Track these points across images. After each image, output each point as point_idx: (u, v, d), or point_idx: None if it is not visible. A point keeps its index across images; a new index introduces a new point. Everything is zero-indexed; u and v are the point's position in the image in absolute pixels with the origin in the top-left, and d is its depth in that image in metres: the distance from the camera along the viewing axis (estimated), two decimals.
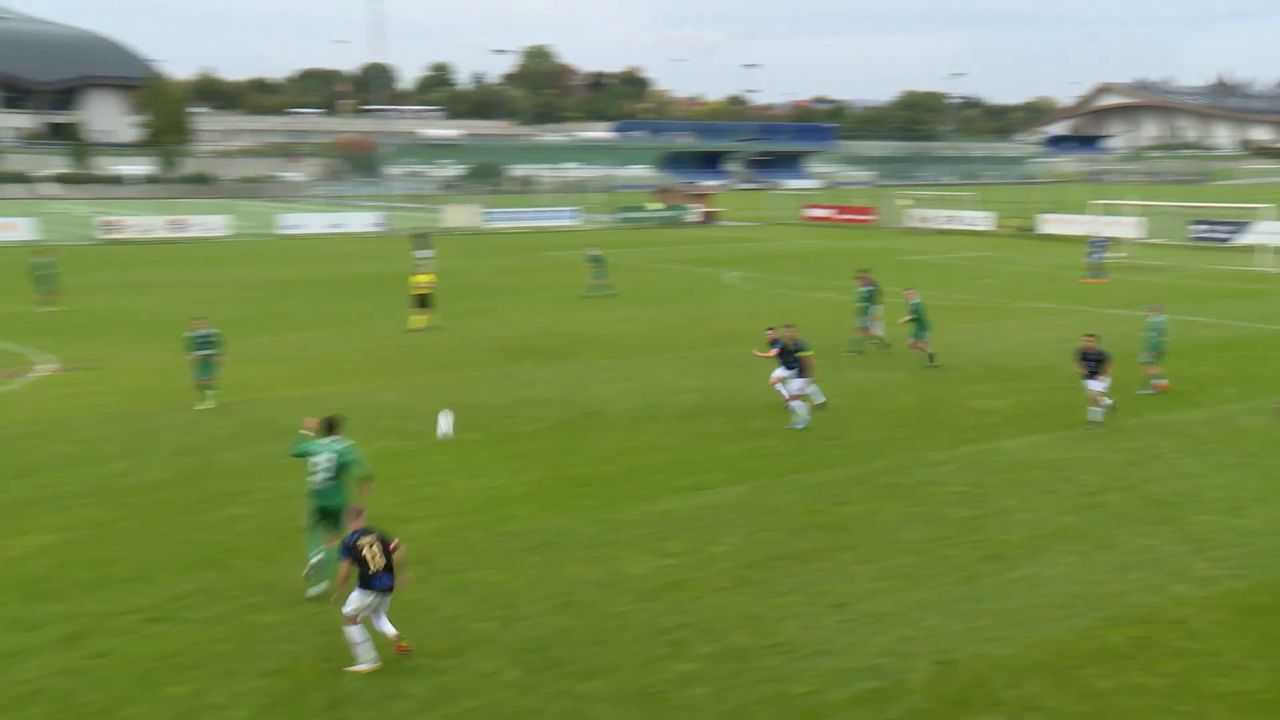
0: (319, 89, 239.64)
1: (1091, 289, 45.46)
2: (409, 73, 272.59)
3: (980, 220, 78.20)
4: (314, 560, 14.36)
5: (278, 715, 11.38)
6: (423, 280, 36.28)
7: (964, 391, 26.15)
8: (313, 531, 14.55)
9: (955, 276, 50.59)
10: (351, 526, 12.56)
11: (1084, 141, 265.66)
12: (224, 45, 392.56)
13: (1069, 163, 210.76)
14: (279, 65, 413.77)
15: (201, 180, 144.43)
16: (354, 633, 12.31)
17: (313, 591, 14.20)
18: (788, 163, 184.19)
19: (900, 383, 27.33)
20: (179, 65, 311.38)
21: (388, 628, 12.49)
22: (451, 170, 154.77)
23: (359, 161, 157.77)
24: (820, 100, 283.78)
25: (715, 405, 24.65)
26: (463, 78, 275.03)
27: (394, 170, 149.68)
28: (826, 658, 12.67)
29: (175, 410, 24.27)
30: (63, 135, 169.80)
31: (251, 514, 17.59)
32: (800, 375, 23.00)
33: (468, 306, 41.58)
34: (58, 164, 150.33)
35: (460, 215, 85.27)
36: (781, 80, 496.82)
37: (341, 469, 14.47)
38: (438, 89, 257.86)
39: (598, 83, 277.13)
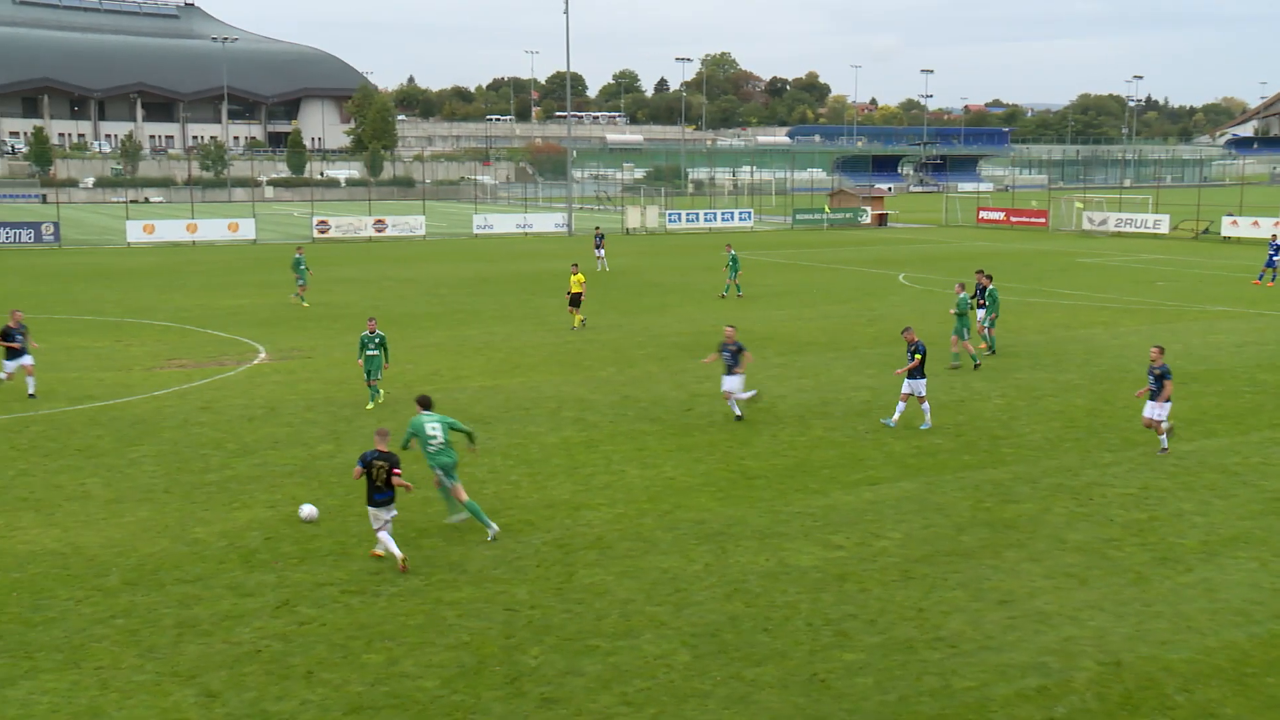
0: (512, 97, 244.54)
1: (1271, 292, 43.08)
2: (596, 81, 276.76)
3: (1157, 223, 74.93)
4: (455, 518, 16.44)
5: (462, 686, 11.62)
6: (577, 280, 36.46)
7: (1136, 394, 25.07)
8: (443, 488, 16.33)
9: (1129, 279, 48.60)
10: (379, 446, 14.81)
11: (1270, 143, 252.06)
12: (427, 57, 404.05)
13: (1254, 164, 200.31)
14: (476, 75, 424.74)
15: (403, 183, 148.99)
16: (381, 537, 14.83)
17: (457, 518, 16.43)
18: (961, 166, 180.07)
19: (1071, 384, 26.39)
20: (386, 76, 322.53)
21: (394, 549, 14.71)
22: (634, 173, 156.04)
23: (547, 165, 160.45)
24: (995, 104, 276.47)
25: (885, 403, 24.21)
26: (646, 85, 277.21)
27: (580, 173, 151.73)
28: (991, 653, 12.30)
29: (365, 398, 25.03)
30: (283, 143, 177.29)
31: (441, 498, 18.00)
32: (921, 375, 22.32)
33: (648, 303, 41.83)
34: (278, 169, 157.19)
35: (642, 217, 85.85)
36: (957, 85, 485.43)
37: (447, 432, 16.26)
38: (622, 96, 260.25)
39: (776, 89, 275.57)
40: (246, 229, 73.87)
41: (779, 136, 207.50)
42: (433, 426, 16.10)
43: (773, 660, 12.18)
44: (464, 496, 16.16)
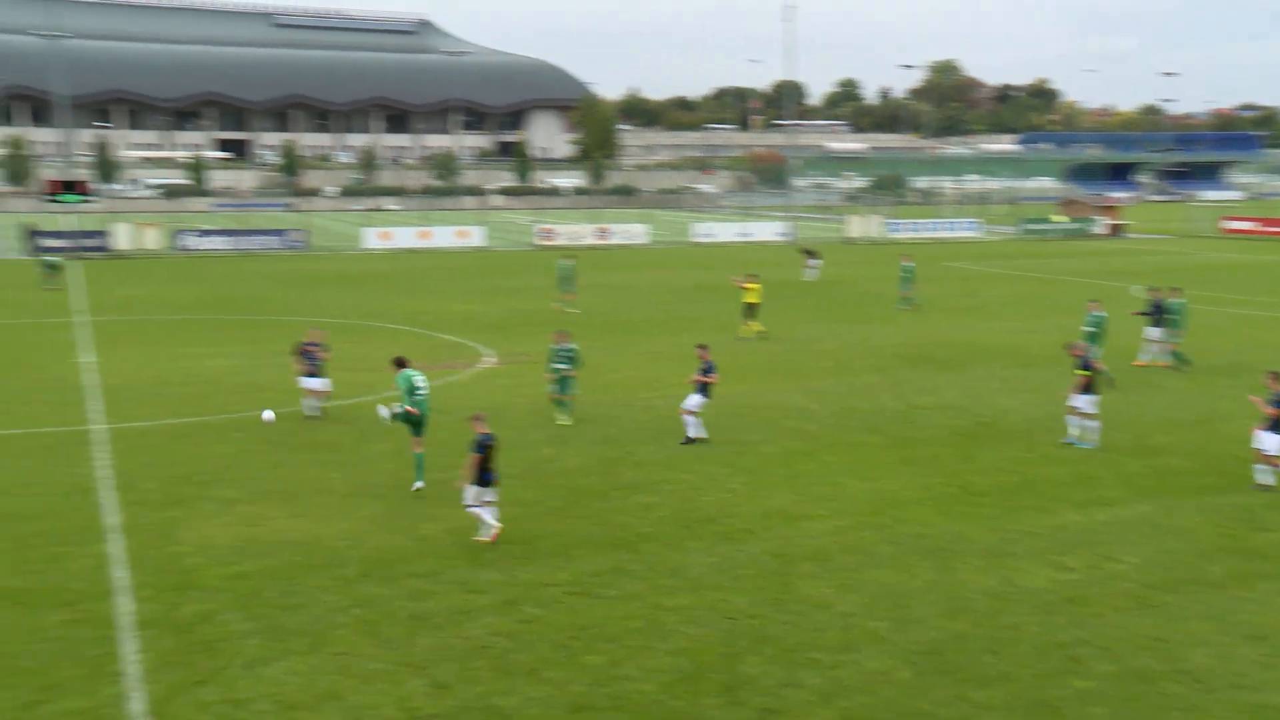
0: (733, 106, 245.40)
1: None
2: (818, 89, 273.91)
3: None
4: (419, 483, 18.77)
5: (682, 692, 11.69)
6: (753, 289, 36.22)
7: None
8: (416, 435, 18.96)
9: None
10: (480, 430, 16.25)
11: None
12: (650, 67, 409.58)
13: None
14: (698, 84, 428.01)
15: (625, 191, 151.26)
16: (478, 511, 16.08)
17: (418, 485, 18.73)
18: (1206, 173, 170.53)
19: None
20: (610, 86, 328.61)
21: (493, 520, 16.01)
22: (856, 182, 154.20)
23: (768, 174, 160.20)
24: (1247, 107, 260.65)
25: (1116, 420, 23.15)
26: (869, 93, 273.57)
27: (800, 182, 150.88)
28: (1243, 692, 11.59)
29: (593, 404, 25.48)
30: (510, 153, 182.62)
31: (661, 503, 18.19)
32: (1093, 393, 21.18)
33: (868, 313, 41.25)
34: (504, 178, 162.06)
35: (863, 226, 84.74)
36: (1202, 88, 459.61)
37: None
38: (845, 104, 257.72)
39: (1004, 95, 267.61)
40: (475, 236, 76.43)
41: (1006, 144, 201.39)
42: (420, 379, 18.95)
43: (999, 683, 11.80)
44: (420, 449, 18.88)
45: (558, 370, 23.66)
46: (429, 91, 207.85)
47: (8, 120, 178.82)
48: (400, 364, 19.38)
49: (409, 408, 18.82)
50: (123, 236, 68.46)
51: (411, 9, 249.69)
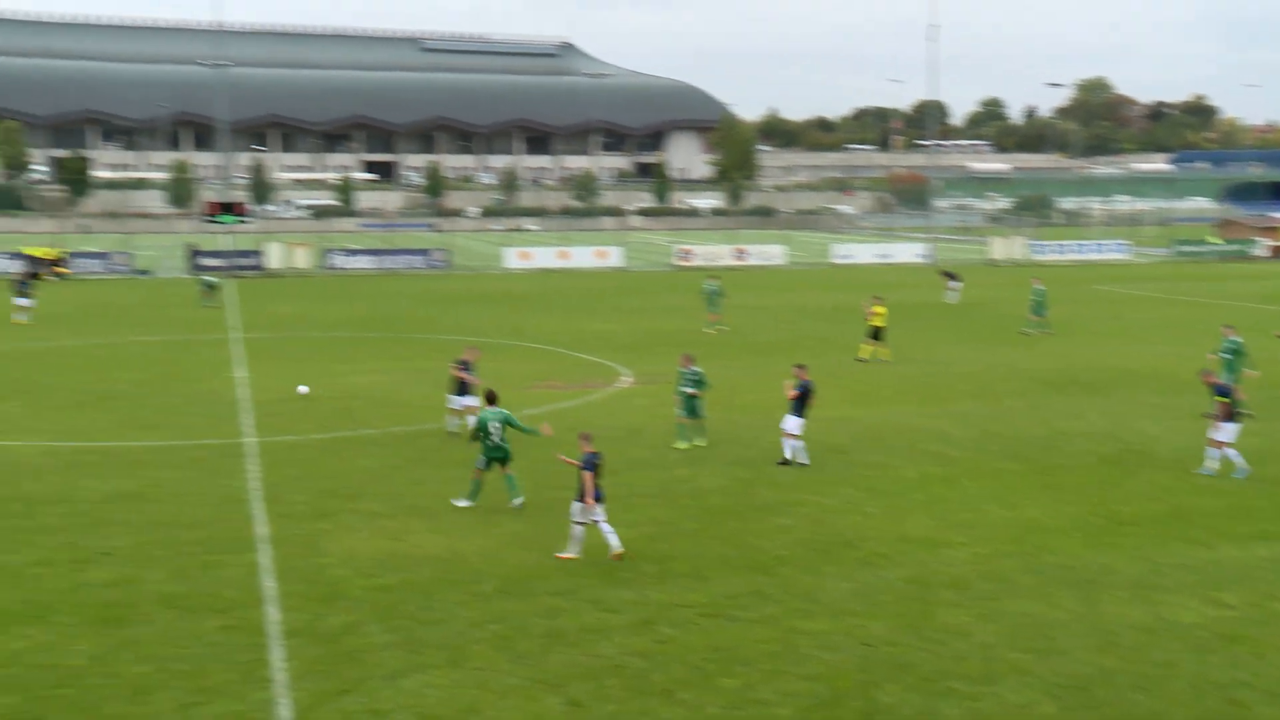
0: (873, 126, 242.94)
1: None
2: (960, 108, 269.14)
3: None
4: (516, 501, 18.94)
5: (818, 718, 11.54)
6: (879, 311, 35.61)
7: None
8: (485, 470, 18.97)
9: None
10: (587, 449, 16.51)
11: None
12: (789, 87, 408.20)
13: None
14: (837, 105, 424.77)
15: (763, 212, 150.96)
16: (577, 530, 16.36)
17: (516, 502, 18.88)
18: None
19: None
20: (749, 107, 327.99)
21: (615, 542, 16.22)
22: (999, 203, 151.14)
23: (908, 195, 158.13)
24: None
25: (1278, 450, 22.16)
26: (1014, 112, 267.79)
27: (942, 203, 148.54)
28: None
29: (731, 426, 25.41)
30: (649, 173, 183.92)
31: (797, 525, 18.04)
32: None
33: (1010, 336, 40.36)
34: (643, 199, 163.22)
35: (1007, 247, 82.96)
36: None
37: (504, 429, 18.81)
38: (988, 123, 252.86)
39: (1157, 113, 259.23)
40: (613, 256, 77.09)
41: (1159, 164, 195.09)
42: (494, 424, 18.77)
43: None
44: (477, 477, 18.95)
45: (684, 394, 23.44)
46: (570, 113, 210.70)
47: (175, 145, 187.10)
48: (490, 399, 19.27)
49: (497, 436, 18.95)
50: (275, 256, 70.93)
51: (554, 32, 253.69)
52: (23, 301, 43.35)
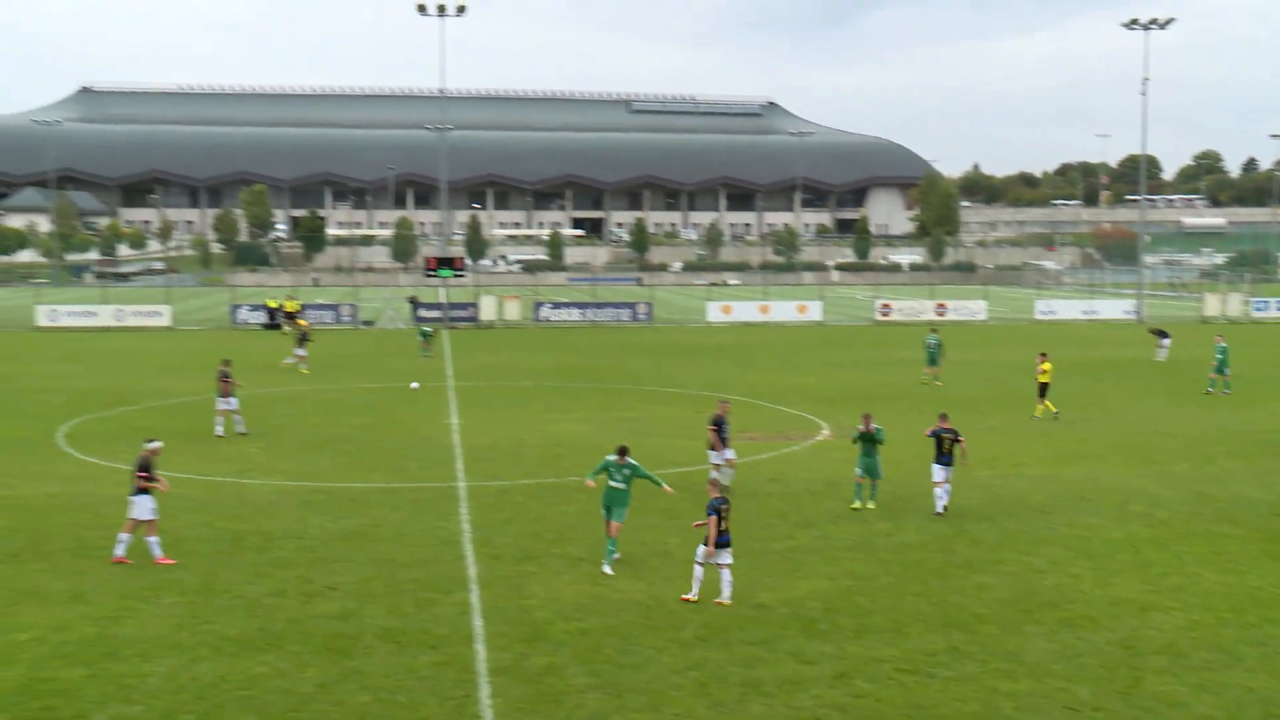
0: (1079, 181, 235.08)
1: None
2: (1171, 162, 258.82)
3: None
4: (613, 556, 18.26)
5: None
6: (1045, 368, 34.23)
7: None
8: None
9: None
10: (712, 494, 16.92)
11: None
12: (993, 143, 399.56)
13: None
14: (1042, 160, 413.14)
15: (964, 268, 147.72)
16: (698, 570, 16.57)
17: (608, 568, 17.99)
18: None
19: None
20: (951, 163, 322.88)
21: (725, 586, 16.41)
22: (1213, 258, 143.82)
23: (1115, 250, 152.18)
24: None
25: None
26: (1231, 165, 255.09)
27: (1152, 259, 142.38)
28: None
29: (925, 479, 24.81)
30: (850, 229, 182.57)
31: (999, 583, 17.45)
32: None
33: (1226, 397, 38.23)
34: (843, 254, 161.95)
35: (1222, 304, 78.80)
36: None
37: (630, 480, 18.56)
38: (1203, 177, 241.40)
39: None
40: (814, 311, 76.64)
41: None
42: (617, 479, 18.41)
43: None
44: (614, 533, 18.22)
45: (866, 453, 22.57)
46: (772, 170, 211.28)
47: (399, 204, 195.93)
48: (621, 453, 18.82)
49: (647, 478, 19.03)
50: (488, 308, 73.29)
51: (759, 93, 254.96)
52: (300, 352, 45.18)
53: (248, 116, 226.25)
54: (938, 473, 21.85)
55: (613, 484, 18.53)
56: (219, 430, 30.54)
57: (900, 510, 22.19)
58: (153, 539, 18.36)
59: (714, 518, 16.57)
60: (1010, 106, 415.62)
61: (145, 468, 18.45)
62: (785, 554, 19.20)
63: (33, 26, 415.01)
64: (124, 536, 18.37)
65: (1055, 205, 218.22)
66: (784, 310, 76.87)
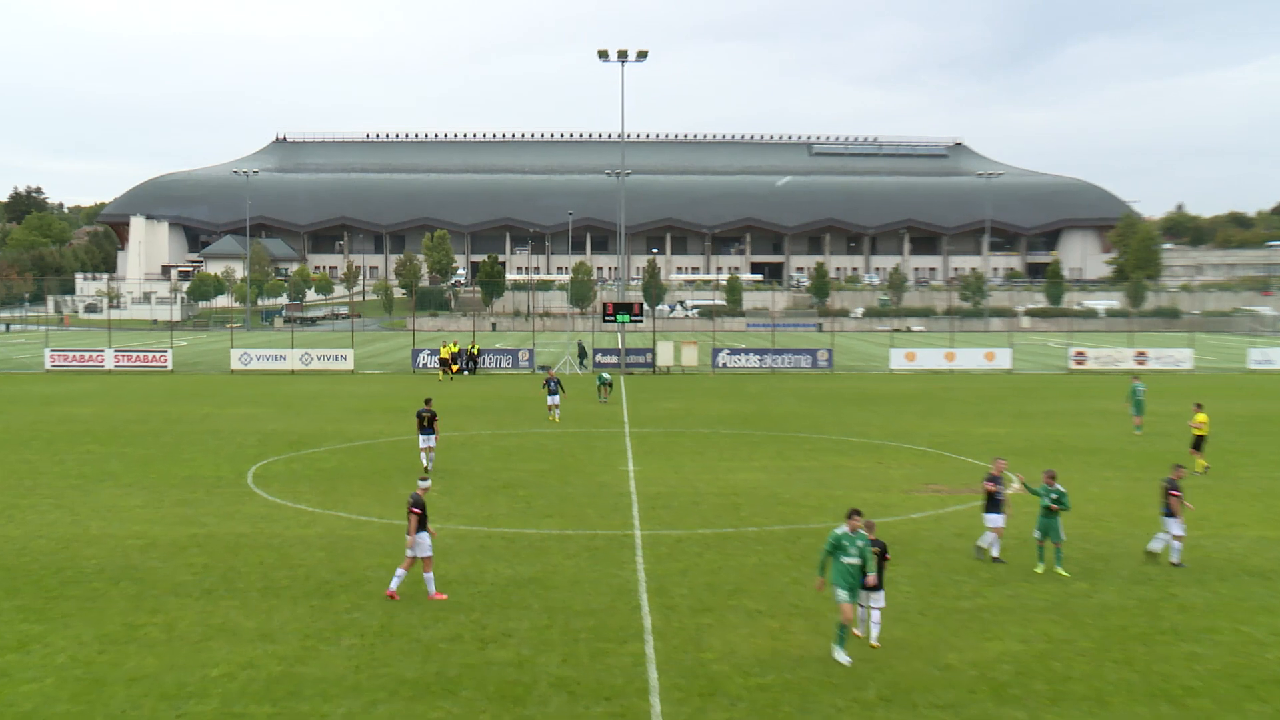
0: None
1: None
2: None
3: None
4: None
5: None
6: (1201, 420, 32.46)
7: None
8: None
9: None
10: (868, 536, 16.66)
11: None
12: (1198, 182, 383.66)
13: None
14: (1255, 199, 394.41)
15: (1167, 314, 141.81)
16: (862, 613, 16.68)
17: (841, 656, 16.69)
18: None
19: None
20: (1153, 204, 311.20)
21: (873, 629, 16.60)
22: None
23: None
24: None
25: None
26: None
27: None
28: None
29: (1132, 538, 23.76)
30: (1041, 274, 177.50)
31: (1212, 654, 16.51)
32: None
33: None
34: (1034, 299, 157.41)
35: None
36: None
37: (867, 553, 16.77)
38: None
39: None
40: (1002, 358, 74.63)
41: None
42: (853, 549, 16.53)
43: None
44: (850, 616, 16.26)
45: (1042, 513, 21.37)
46: (959, 213, 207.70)
47: (579, 249, 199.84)
48: (850, 516, 16.91)
49: (819, 580, 17.01)
50: (665, 354, 73.78)
51: (945, 133, 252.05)
52: (554, 400, 45.83)
53: (431, 164, 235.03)
54: (1173, 526, 21.38)
55: (846, 559, 16.52)
56: (426, 465, 32.47)
57: (1100, 570, 21.26)
58: (429, 575, 19.46)
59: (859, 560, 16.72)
60: (1216, 143, 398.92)
61: (422, 505, 19.47)
62: (974, 613, 18.61)
63: (235, 81, 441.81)
64: (401, 572, 19.41)
65: (1271, 246, 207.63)
66: (971, 358, 75.10)
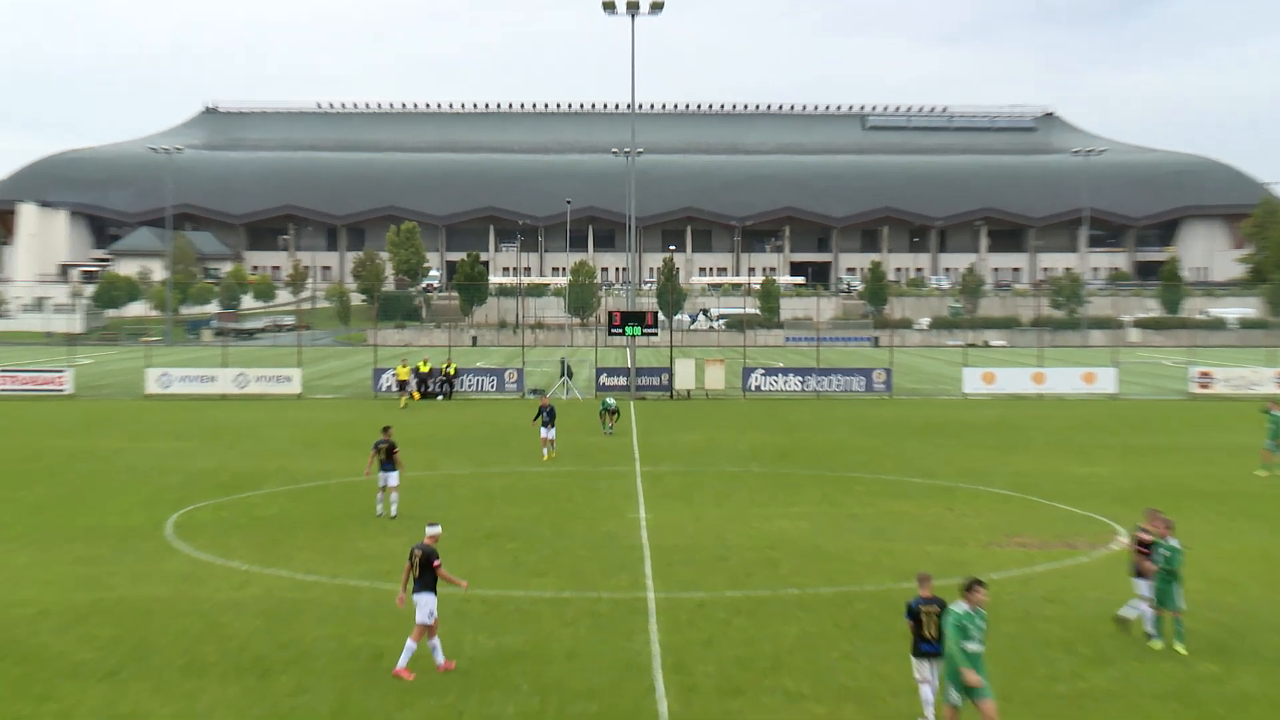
0: None
1: None
2: None
3: None
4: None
5: None
6: None
7: None
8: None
9: None
10: (921, 592, 16.94)
11: None
12: None
13: None
14: None
15: None
16: (924, 691, 16.88)
17: None
18: None
19: None
20: None
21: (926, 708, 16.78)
22: None
23: None
24: None
25: None
26: None
27: None
28: None
29: (1273, 608, 23.63)
30: (1154, 274, 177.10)
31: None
32: None
33: None
34: (1145, 306, 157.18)
35: None
36: None
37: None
38: None
39: None
40: (1104, 380, 74.49)
41: None
42: (977, 632, 16.19)
43: None
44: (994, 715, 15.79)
45: (1165, 575, 21.13)
46: (1049, 200, 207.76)
47: (580, 246, 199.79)
48: (970, 589, 16.40)
49: (965, 672, 16.00)
50: (685, 374, 73.75)
51: (1031, 101, 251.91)
52: (548, 433, 45.69)
53: (397, 140, 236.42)
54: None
55: (970, 646, 16.06)
56: (380, 509, 32.83)
57: (1233, 648, 21.10)
58: (434, 642, 19.63)
59: (912, 622, 17.06)
60: None
61: (434, 558, 19.68)
62: (1073, 699, 18.52)
63: (155, 37, 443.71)
64: (411, 645, 19.52)
65: None
66: (1065, 379, 74.96)
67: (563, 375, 75.98)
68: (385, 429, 33.90)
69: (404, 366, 70.34)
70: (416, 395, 69.71)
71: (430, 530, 20.47)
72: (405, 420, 56.38)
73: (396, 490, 32.99)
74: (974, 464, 43.61)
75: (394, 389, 70.42)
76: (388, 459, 32.77)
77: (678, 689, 18.76)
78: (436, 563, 19.70)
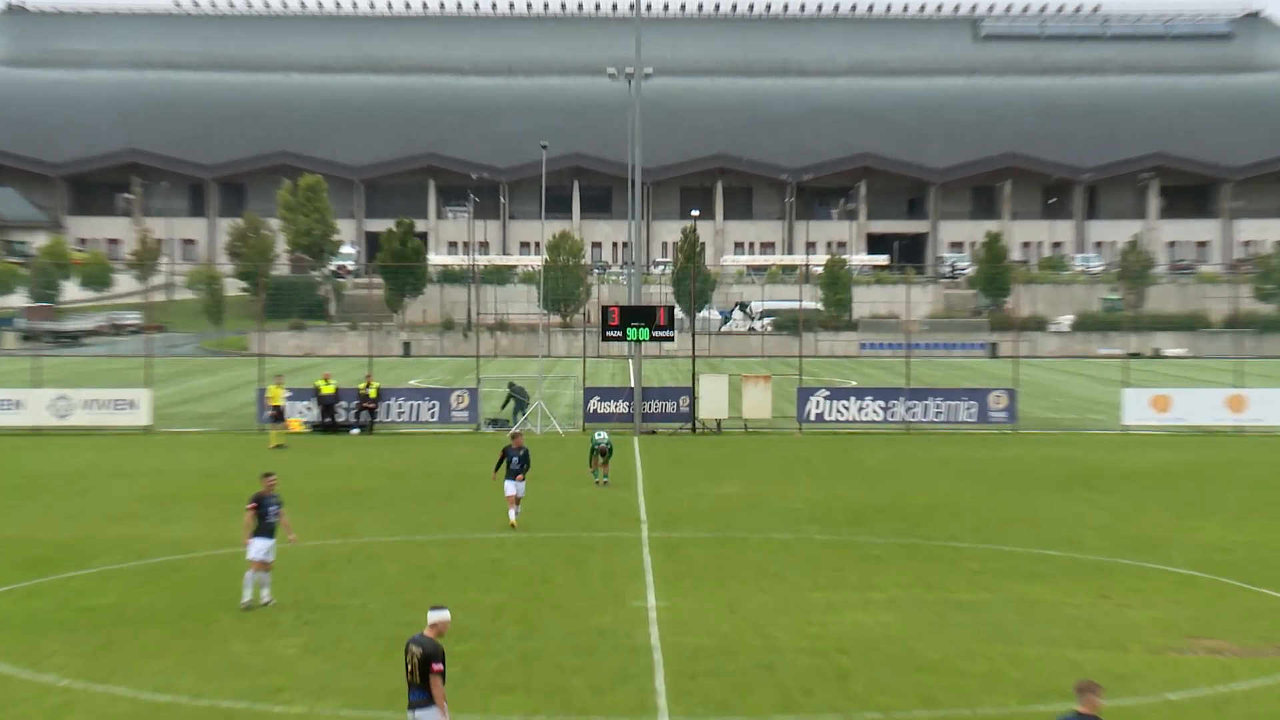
0: None
1: None
2: None
3: None
4: None
5: None
6: None
7: None
8: None
9: None
10: (1080, 708, 17.14)
11: None
12: None
13: None
14: None
15: None
16: None
17: None
18: None
19: None
20: None
21: None
22: None
23: None
24: None
25: None
26: None
27: None
28: None
29: None
30: None
31: None
32: None
33: None
34: None
35: None
36: None
37: None
38: None
39: None
40: None
41: None
42: None
43: None
44: None
45: None
46: (1254, 141, 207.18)
47: (561, 209, 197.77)
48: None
49: None
50: (713, 398, 73.50)
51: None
52: (513, 489, 45.66)
53: (292, 56, 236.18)
54: None
55: None
56: (246, 597, 32.00)
57: None
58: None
59: None
60: None
61: (434, 659, 19.43)
62: None
63: None
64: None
65: None
66: (1275, 405, 74.87)
67: (511, 406, 74.07)
68: (267, 475, 33.30)
69: (278, 386, 68.81)
70: (297, 425, 68.99)
71: (434, 616, 20.06)
72: (292, 466, 55.99)
73: (270, 566, 32.08)
74: (1140, 530, 43.55)
75: (267, 419, 69.14)
76: (265, 521, 31.81)
77: None
78: (437, 666, 19.41)
